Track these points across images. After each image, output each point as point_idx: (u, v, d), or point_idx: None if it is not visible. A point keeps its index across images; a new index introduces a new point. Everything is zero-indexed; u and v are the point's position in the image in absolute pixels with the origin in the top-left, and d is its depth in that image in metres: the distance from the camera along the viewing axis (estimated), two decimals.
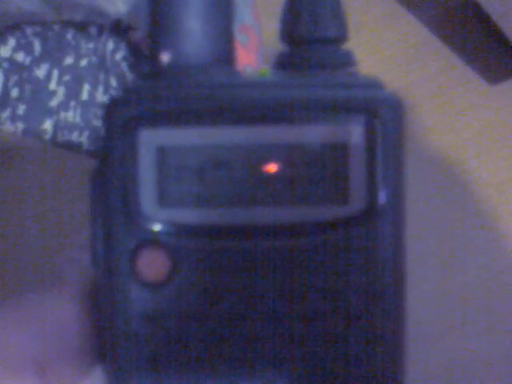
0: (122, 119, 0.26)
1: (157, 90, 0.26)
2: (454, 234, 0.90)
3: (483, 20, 0.92)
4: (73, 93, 0.68)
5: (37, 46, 0.68)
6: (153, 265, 0.26)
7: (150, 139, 0.26)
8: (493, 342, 0.87)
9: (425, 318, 0.85)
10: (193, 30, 0.28)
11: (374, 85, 0.27)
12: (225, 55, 0.29)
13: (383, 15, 0.96)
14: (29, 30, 0.67)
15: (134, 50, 0.69)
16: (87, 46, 0.68)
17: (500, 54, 0.94)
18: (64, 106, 0.68)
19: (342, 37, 0.29)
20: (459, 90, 0.94)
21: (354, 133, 0.26)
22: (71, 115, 0.68)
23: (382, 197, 0.26)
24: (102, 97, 0.68)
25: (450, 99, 0.94)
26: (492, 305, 0.88)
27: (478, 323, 0.87)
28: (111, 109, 0.26)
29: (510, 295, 0.89)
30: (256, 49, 0.67)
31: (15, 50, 0.67)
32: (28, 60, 0.67)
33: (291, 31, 0.29)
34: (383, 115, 0.26)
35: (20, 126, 0.67)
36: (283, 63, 0.29)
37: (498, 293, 0.89)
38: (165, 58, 0.28)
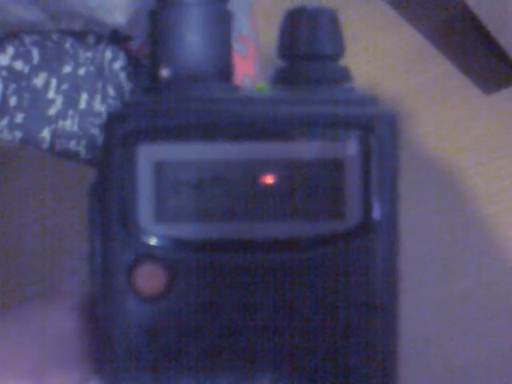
0: (121, 134, 0.26)
1: (156, 105, 0.27)
2: (452, 239, 0.90)
3: (480, 31, 0.92)
4: (71, 101, 0.68)
5: (35, 55, 0.68)
6: (150, 278, 0.27)
7: (148, 154, 0.26)
8: (493, 345, 0.87)
9: (425, 320, 0.85)
10: (192, 45, 0.28)
11: (369, 100, 0.27)
12: (224, 70, 0.29)
13: (381, 24, 0.96)
14: (27, 39, 0.68)
15: (133, 60, 0.69)
16: (85, 55, 0.68)
17: (496, 64, 0.95)
18: (62, 114, 0.68)
19: (339, 53, 0.29)
20: (456, 98, 0.94)
21: (350, 148, 0.26)
22: (69, 124, 0.68)
23: (377, 211, 0.26)
24: (99, 106, 0.68)
25: (446, 108, 0.94)
26: (491, 308, 0.89)
27: (478, 326, 0.88)
28: (110, 123, 0.26)
29: (508, 299, 0.90)
30: (254, 59, 0.68)
31: (14, 58, 0.67)
32: (26, 68, 0.67)
33: (289, 47, 0.29)
34: (379, 131, 0.26)
35: (18, 134, 0.67)
36: (281, 78, 0.29)
37: (497, 296, 0.89)
38: (164, 73, 0.28)
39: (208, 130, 0.26)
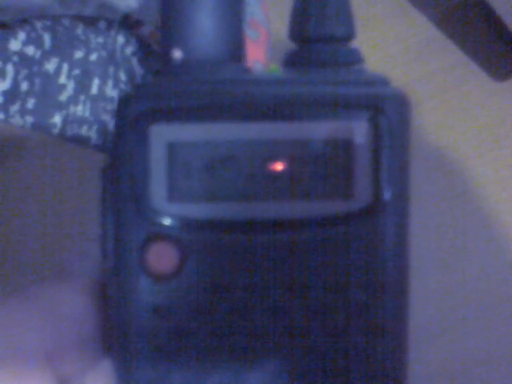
0: (133, 115, 0.26)
1: (168, 87, 0.27)
2: (454, 231, 0.90)
3: (488, 17, 0.92)
4: (82, 87, 0.68)
5: (47, 40, 0.68)
6: (161, 258, 0.27)
7: (160, 135, 0.26)
8: (493, 341, 0.87)
9: (425, 316, 0.85)
10: (204, 27, 0.28)
11: (380, 82, 0.27)
12: (235, 52, 0.29)
13: (387, 12, 0.96)
14: (39, 24, 0.68)
15: (144, 45, 0.69)
16: (97, 40, 0.69)
17: (507, 51, 0.94)
18: (73, 100, 0.68)
19: (349, 35, 0.29)
20: (464, 87, 0.94)
21: (360, 129, 0.26)
22: (80, 109, 0.68)
23: (387, 192, 0.26)
24: (111, 91, 0.68)
25: (454, 96, 0.94)
26: (492, 303, 0.88)
27: (478, 321, 0.87)
28: (122, 104, 0.27)
29: (510, 294, 0.89)
30: (265, 44, 0.68)
31: (25, 43, 0.67)
32: (38, 54, 0.68)
33: (300, 30, 0.29)
34: (389, 111, 0.26)
35: (29, 119, 0.67)
36: (292, 61, 0.29)
37: (499, 291, 0.88)
38: (176, 54, 0.28)
39: (219, 111, 0.26)
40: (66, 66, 0.68)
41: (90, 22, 0.69)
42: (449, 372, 0.85)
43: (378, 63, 0.91)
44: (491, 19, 0.91)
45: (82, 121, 0.68)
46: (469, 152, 0.92)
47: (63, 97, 0.68)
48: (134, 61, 0.69)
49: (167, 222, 0.27)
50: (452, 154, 0.91)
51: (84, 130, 0.68)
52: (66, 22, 0.68)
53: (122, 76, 0.69)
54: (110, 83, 0.68)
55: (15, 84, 0.67)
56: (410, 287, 0.28)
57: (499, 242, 0.90)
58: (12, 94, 0.67)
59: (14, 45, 0.67)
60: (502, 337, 0.87)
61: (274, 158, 0.26)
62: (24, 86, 0.67)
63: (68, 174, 0.68)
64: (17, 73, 0.67)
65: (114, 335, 0.28)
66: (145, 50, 0.69)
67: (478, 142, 0.92)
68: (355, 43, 0.30)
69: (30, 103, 0.68)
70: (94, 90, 0.68)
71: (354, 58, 0.29)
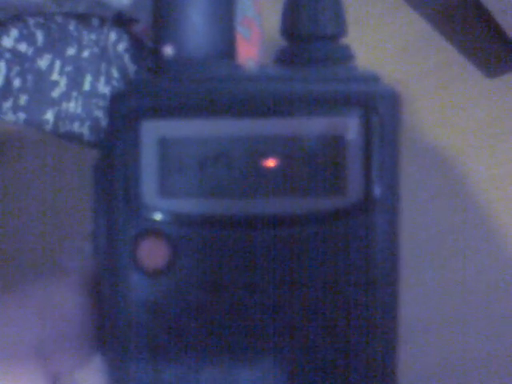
0: (125, 111, 0.26)
1: (159, 83, 0.27)
2: (452, 228, 0.90)
3: (482, 15, 0.92)
4: (75, 83, 0.68)
5: (39, 37, 0.68)
6: (153, 254, 0.27)
7: (152, 131, 0.26)
8: (491, 340, 0.87)
9: (424, 314, 0.85)
10: (195, 24, 0.28)
11: (371, 78, 0.28)
12: (226, 49, 0.29)
13: (383, 10, 0.96)
14: (31, 21, 0.68)
15: (136, 42, 0.69)
16: (89, 37, 0.69)
17: (499, 49, 0.95)
18: (66, 96, 0.68)
19: (341, 32, 0.29)
20: (458, 84, 0.94)
21: (352, 126, 0.26)
22: (73, 106, 0.68)
23: (377, 189, 0.27)
24: (103, 88, 0.68)
25: (449, 93, 0.94)
26: (491, 301, 0.88)
27: (477, 320, 0.87)
28: (114, 101, 0.27)
29: (509, 291, 0.89)
30: (257, 42, 0.68)
31: (18, 40, 0.67)
32: (30, 51, 0.68)
33: (291, 27, 0.29)
34: (380, 108, 0.26)
35: (22, 116, 0.67)
36: (284, 58, 0.29)
37: (497, 289, 0.89)
38: (167, 51, 0.28)
39: (211, 107, 0.26)
40: (58, 63, 0.68)
41: (83, 19, 0.69)
42: (448, 371, 0.85)
43: (375, 60, 0.91)
44: (485, 18, 0.92)
45: (74, 117, 0.68)
46: (466, 148, 0.92)
47: (55, 93, 0.68)
48: (127, 57, 0.69)
49: (159, 217, 0.27)
50: (448, 151, 0.92)
51: (76, 127, 0.68)
52: (58, 19, 0.68)
53: (115, 73, 0.69)
54: (102, 80, 0.68)
55: (7, 81, 0.67)
56: (400, 284, 0.28)
57: (496, 240, 0.90)
58: (4, 91, 0.67)
59: (7, 42, 0.67)
60: (501, 336, 0.87)
61: (266, 155, 0.27)
62: (16, 82, 0.67)
63: (68, 174, 0.68)
64: (9, 70, 0.67)
65: (107, 331, 0.28)
66: (137, 46, 0.69)
67: (475, 137, 0.93)
68: (349, 41, 0.30)
69: (23, 100, 0.68)
70: (87, 86, 0.68)
71: (346, 55, 0.29)
